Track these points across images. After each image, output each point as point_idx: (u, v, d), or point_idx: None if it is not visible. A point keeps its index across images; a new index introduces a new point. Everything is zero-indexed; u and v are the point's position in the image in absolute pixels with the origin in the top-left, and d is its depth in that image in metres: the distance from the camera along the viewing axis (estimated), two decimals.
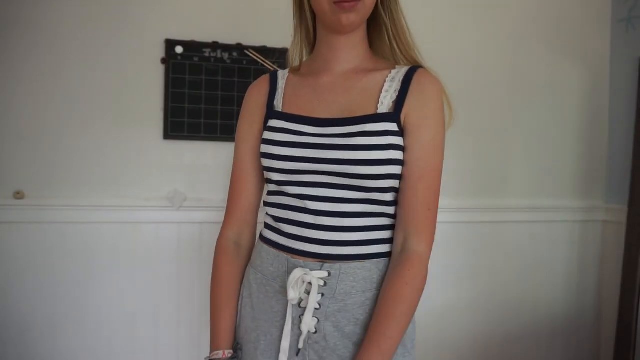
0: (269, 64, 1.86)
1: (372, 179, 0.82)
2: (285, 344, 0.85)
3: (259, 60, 1.85)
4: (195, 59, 1.79)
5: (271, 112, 0.93)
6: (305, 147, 0.85)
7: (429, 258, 0.85)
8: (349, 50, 0.91)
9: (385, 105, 0.85)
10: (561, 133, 2.19)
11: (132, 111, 1.76)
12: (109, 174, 1.75)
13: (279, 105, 0.94)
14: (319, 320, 0.84)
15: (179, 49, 1.78)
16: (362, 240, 0.85)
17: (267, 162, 0.89)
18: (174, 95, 1.78)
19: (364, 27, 0.92)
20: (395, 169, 0.84)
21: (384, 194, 0.85)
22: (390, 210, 0.88)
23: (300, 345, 0.85)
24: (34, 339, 1.70)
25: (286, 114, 0.91)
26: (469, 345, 2.11)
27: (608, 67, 2.23)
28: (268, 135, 0.90)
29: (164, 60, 1.77)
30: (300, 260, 0.86)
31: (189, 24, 1.80)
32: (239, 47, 1.83)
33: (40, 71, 1.69)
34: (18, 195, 1.67)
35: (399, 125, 0.84)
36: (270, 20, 1.86)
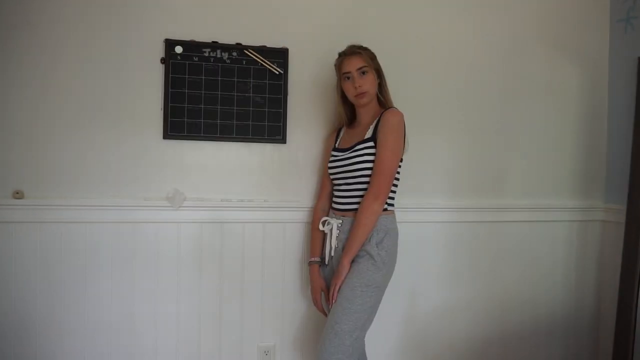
0: (268, 64, 1.86)
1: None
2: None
3: (259, 60, 1.85)
4: (195, 58, 1.80)
5: (333, 148, 1.81)
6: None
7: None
8: (367, 112, 1.72)
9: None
10: (560, 133, 2.19)
11: (131, 111, 1.76)
12: (108, 173, 1.75)
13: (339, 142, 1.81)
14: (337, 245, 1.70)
15: (178, 49, 1.78)
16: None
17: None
18: (174, 95, 1.78)
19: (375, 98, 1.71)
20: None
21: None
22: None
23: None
24: (34, 339, 1.71)
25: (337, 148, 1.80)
26: (468, 345, 2.11)
27: (607, 67, 2.24)
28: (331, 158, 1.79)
29: (163, 60, 1.78)
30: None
31: (188, 24, 1.80)
32: (239, 47, 1.83)
33: (39, 71, 1.69)
34: (17, 195, 1.67)
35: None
36: (269, 21, 1.87)
